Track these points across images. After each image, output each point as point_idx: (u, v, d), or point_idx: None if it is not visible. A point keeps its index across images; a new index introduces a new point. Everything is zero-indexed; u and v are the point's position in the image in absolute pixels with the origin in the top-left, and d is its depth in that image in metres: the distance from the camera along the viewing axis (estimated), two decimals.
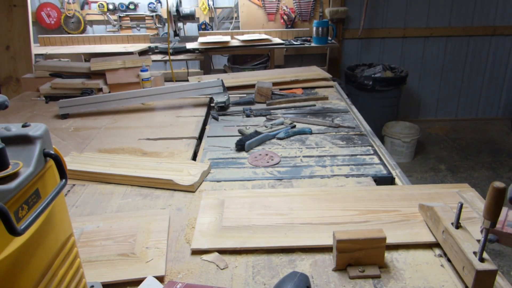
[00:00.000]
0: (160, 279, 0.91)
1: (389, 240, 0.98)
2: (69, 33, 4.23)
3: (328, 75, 2.61)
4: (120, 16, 4.32)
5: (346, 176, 1.39)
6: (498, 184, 0.78)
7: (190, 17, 3.95)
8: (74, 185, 1.38)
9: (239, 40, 3.77)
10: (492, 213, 0.80)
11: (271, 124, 1.79)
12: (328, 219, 1.11)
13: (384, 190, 1.26)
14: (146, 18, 4.34)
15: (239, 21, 4.34)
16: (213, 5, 4.26)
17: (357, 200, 1.20)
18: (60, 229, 0.66)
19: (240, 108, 2.11)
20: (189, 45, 3.76)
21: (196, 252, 1.01)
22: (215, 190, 1.32)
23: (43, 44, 4.00)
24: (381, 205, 1.17)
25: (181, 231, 1.10)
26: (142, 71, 2.28)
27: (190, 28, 4.43)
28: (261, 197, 1.23)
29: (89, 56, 3.47)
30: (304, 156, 1.55)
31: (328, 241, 1.01)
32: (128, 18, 4.35)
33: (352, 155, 1.56)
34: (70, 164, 1.45)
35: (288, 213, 1.14)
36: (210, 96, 2.25)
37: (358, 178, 1.37)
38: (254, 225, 1.09)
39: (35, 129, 0.60)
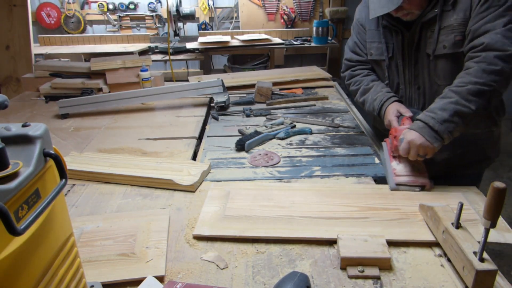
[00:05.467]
0: (160, 279, 0.91)
1: (387, 237, 0.99)
2: (69, 33, 4.23)
3: (328, 75, 2.61)
4: (120, 16, 4.32)
5: (346, 176, 1.39)
6: (498, 184, 0.78)
7: (190, 17, 3.95)
8: (74, 185, 1.38)
9: (239, 40, 3.77)
10: (492, 213, 0.80)
11: (271, 124, 1.79)
12: (328, 213, 1.13)
13: (387, 188, 1.27)
14: (146, 18, 4.35)
15: (239, 21, 4.34)
16: (213, 5, 4.26)
17: (359, 197, 1.21)
18: (60, 229, 0.66)
19: (240, 108, 2.11)
20: (189, 45, 3.76)
21: (197, 238, 1.06)
22: (222, 182, 1.36)
23: (43, 44, 4.00)
24: (382, 203, 1.18)
25: (181, 231, 1.10)
26: (142, 71, 2.28)
27: (190, 28, 4.43)
28: (265, 190, 1.27)
29: (89, 56, 3.47)
30: (304, 156, 1.55)
31: (325, 234, 1.03)
32: (128, 18, 4.36)
33: (352, 155, 1.56)
34: (70, 164, 1.45)
35: (289, 206, 1.16)
36: (210, 96, 2.25)
37: (358, 178, 1.37)
38: (255, 216, 1.12)
39: (35, 129, 0.60)
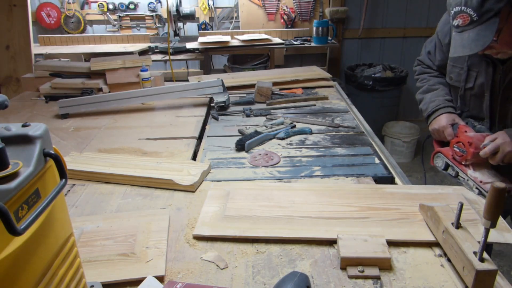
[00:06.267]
0: (160, 279, 0.91)
1: (387, 237, 0.99)
2: (69, 33, 4.23)
3: (328, 75, 2.61)
4: (120, 16, 4.32)
5: (346, 176, 1.39)
6: (498, 184, 0.78)
7: (190, 17, 3.95)
8: (74, 185, 1.38)
9: (239, 40, 3.77)
10: (492, 213, 0.80)
11: (271, 124, 1.79)
12: (328, 213, 1.13)
13: (388, 188, 1.27)
14: (146, 18, 4.35)
15: (239, 21, 4.34)
16: (213, 5, 4.26)
17: (359, 197, 1.20)
18: (60, 229, 0.66)
19: (240, 108, 2.11)
20: (189, 45, 3.76)
21: (197, 238, 1.06)
22: (222, 182, 1.36)
23: (43, 44, 4.00)
24: (382, 202, 1.17)
25: (181, 231, 1.10)
26: (142, 71, 2.28)
27: (190, 28, 4.43)
28: (265, 190, 1.26)
29: (89, 56, 3.47)
30: (304, 156, 1.55)
31: (325, 234, 1.03)
32: (128, 18, 4.35)
33: (352, 155, 1.56)
34: (70, 164, 1.45)
35: (289, 206, 1.16)
36: (210, 96, 2.25)
37: (358, 178, 1.37)
38: (255, 216, 1.12)
39: (35, 129, 0.60)
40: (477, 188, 1.27)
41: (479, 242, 0.85)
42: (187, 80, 2.47)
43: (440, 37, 1.53)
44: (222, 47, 3.67)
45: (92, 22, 4.39)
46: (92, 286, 0.86)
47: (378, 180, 1.37)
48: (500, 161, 1.23)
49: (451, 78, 1.49)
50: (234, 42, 3.75)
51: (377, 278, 0.90)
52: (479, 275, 0.81)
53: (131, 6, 4.27)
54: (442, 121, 1.44)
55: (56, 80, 2.42)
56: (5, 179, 0.53)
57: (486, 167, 1.29)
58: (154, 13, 4.30)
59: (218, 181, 1.38)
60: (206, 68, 3.78)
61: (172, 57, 3.37)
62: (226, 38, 3.74)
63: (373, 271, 0.91)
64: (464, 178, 1.32)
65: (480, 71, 1.37)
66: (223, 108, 2.09)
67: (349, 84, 4.10)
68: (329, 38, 3.97)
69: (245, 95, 2.36)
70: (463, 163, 1.34)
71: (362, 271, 0.91)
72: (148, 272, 0.92)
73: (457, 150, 1.35)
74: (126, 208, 1.23)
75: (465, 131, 1.35)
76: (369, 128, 1.86)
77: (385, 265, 0.93)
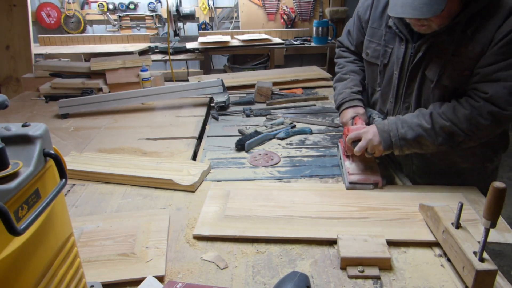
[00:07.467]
0: (160, 279, 0.91)
1: (387, 237, 0.99)
2: (69, 33, 4.24)
3: (328, 75, 2.61)
4: (120, 16, 4.32)
5: None
6: (498, 184, 0.78)
7: (190, 17, 3.95)
8: (74, 185, 1.38)
9: (239, 40, 3.77)
10: (492, 213, 0.80)
11: (271, 124, 1.79)
12: (327, 213, 1.13)
13: (387, 189, 1.27)
14: (146, 18, 4.35)
15: (239, 21, 4.35)
16: (213, 5, 4.27)
17: (359, 197, 1.21)
18: (60, 229, 0.66)
19: (240, 108, 2.11)
20: (189, 45, 3.76)
21: (197, 238, 1.06)
22: (222, 182, 1.36)
23: (43, 44, 4.00)
24: (382, 202, 1.18)
25: (181, 231, 1.10)
26: (142, 71, 2.28)
27: (190, 28, 4.43)
28: (265, 190, 1.27)
29: (89, 56, 3.47)
30: (304, 156, 1.55)
31: (325, 234, 1.03)
32: (128, 18, 4.36)
33: None
34: (70, 164, 1.45)
35: (289, 206, 1.16)
36: (210, 96, 2.25)
37: None
38: (255, 216, 1.12)
39: (35, 129, 0.60)
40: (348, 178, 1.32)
41: (479, 242, 0.85)
42: (187, 80, 2.47)
43: (360, 13, 1.47)
44: (222, 47, 3.67)
45: (92, 22, 4.39)
46: (92, 286, 0.86)
47: None
48: (371, 154, 1.29)
49: (367, 53, 1.45)
50: (234, 42, 3.76)
51: (377, 278, 0.90)
52: (479, 275, 0.81)
53: (131, 6, 4.28)
54: (345, 116, 1.46)
55: (56, 80, 2.43)
56: (5, 179, 0.53)
57: (363, 160, 1.34)
58: (154, 13, 4.30)
59: (218, 181, 1.38)
60: (206, 68, 3.78)
61: (172, 57, 3.37)
62: (226, 38, 3.74)
63: (373, 271, 0.91)
64: (342, 169, 1.37)
65: (394, 48, 1.35)
66: (223, 108, 2.09)
67: None
68: (329, 38, 3.97)
69: (245, 95, 2.36)
70: (345, 154, 1.39)
71: (362, 271, 0.91)
72: (148, 272, 0.92)
73: (343, 141, 1.42)
74: (126, 208, 1.23)
75: (356, 123, 1.40)
76: None
77: (385, 265, 0.93)
